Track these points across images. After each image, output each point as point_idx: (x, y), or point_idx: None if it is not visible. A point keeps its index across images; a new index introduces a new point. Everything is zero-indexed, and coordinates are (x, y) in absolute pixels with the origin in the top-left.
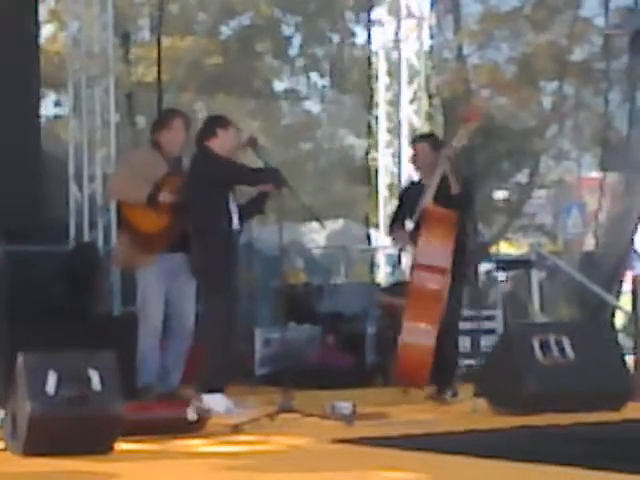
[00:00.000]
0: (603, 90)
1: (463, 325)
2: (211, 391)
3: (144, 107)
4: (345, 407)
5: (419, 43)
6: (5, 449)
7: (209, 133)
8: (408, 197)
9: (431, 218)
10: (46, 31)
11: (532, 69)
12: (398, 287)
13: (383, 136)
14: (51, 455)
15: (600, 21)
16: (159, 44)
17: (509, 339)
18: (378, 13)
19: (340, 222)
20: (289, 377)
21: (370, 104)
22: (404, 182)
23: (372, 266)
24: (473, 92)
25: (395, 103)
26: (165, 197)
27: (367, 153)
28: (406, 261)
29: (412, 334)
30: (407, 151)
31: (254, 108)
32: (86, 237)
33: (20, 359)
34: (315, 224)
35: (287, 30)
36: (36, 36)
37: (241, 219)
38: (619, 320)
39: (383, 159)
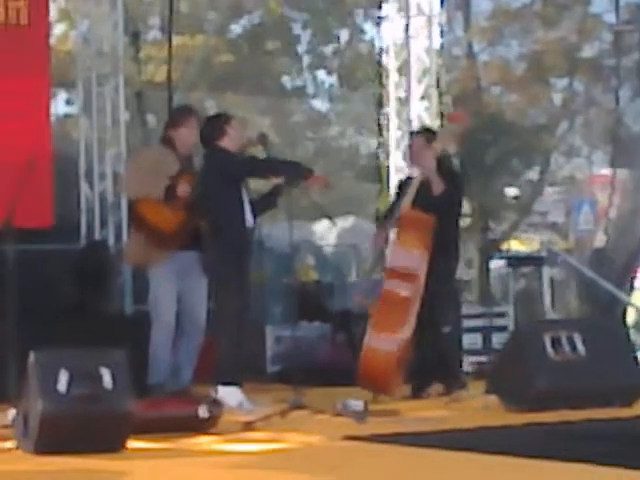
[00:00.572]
0: (613, 87)
1: (475, 322)
2: (226, 384)
3: (154, 106)
4: (356, 404)
5: (429, 40)
6: (17, 447)
7: (218, 133)
8: (403, 193)
9: (406, 223)
10: (56, 30)
11: (542, 66)
12: None
13: (393, 133)
14: (63, 453)
15: (610, 17)
16: (169, 43)
17: (520, 336)
18: (387, 10)
19: (350, 220)
20: (300, 375)
21: (380, 101)
22: None
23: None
24: (483, 89)
25: (405, 101)
26: (183, 190)
27: (377, 150)
28: None
29: (375, 340)
30: None
31: (264, 106)
32: (97, 235)
33: (32, 358)
34: (326, 222)
35: (296, 28)
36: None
37: (254, 216)
38: (630, 316)
39: (393, 156)
